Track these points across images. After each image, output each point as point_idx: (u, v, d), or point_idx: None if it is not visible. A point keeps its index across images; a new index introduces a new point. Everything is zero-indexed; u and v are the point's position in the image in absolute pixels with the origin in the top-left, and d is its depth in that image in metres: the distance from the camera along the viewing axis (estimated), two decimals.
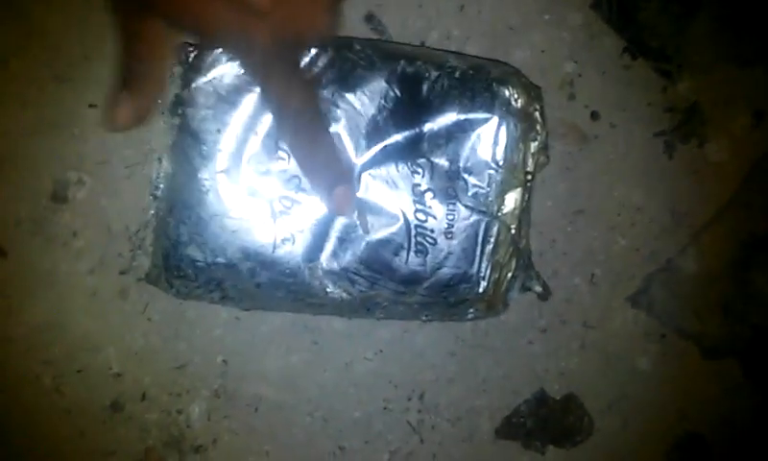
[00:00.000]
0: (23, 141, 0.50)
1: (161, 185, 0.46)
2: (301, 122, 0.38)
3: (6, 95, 0.50)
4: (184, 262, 0.45)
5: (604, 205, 0.56)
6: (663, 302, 0.57)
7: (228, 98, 0.44)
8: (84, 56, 0.50)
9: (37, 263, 0.51)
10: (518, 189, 0.47)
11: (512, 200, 0.47)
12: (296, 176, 0.45)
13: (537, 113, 0.47)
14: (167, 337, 0.53)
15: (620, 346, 0.57)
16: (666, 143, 0.56)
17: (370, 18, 0.52)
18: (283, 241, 0.45)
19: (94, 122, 0.50)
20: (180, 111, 0.45)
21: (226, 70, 0.44)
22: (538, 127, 0.47)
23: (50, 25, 0.50)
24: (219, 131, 0.44)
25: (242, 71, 0.44)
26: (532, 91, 0.48)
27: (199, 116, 0.44)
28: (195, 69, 0.44)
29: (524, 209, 0.48)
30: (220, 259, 0.45)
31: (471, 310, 0.49)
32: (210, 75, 0.44)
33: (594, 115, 0.55)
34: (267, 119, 0.44)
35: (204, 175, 0.44)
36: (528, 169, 0.47)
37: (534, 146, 0.47)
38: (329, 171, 0.41)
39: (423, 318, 0.49)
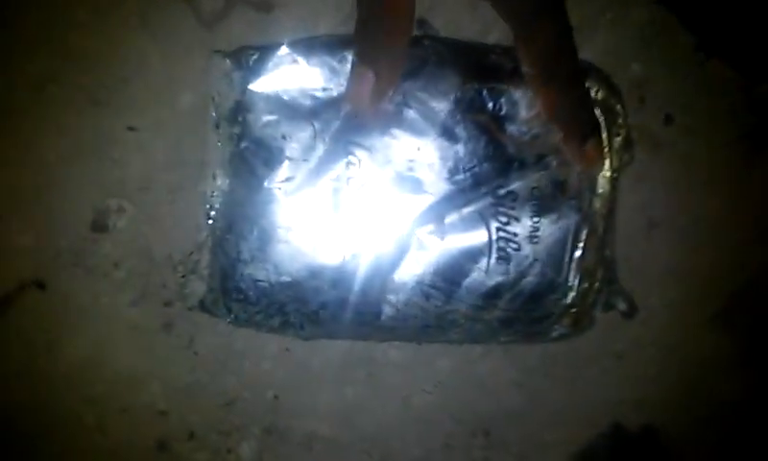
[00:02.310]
0: (61, 169, 0.48)
1: (217, 204, 0.44)
2: (561, 67, 0.38)
3: (43, 121, 0.48)
4: (245, 283, 0.43)
5: (681, 217, 0.52)
6: (749, 323, 0.53)
7: (293, 103, 0.42)
8: (121, 78, 0.48)
9: (78, 296, 0.49)
10: (605, 189, 0.44)
11: (599, 200, 0.44)
12: (367, 184, 0.42)
13: (618, 106, 0.44)
14: (214, 372, 0.51)
15: (703, 372, 0.53)
16: (747, 148, 0.52)
17: (422, 24, 0.48)
18: (354, 256, 0.43)
19: (134, 146, 0.48)
20: (239, 119, 0.42)
21: (289, 73, 0.42)
22: (620, 120, 0.45)
23: (86, 48, 0.48)
24: (284, 137, 0.42)
25: (307, 74, 0.42)
26: (611, 85, 0.45)
27: (261, 123, 0.42)
28: (255, 73, 0.42)
29: (611, 211, 0.45)
30: (284, 278, 0.43)
31: (557, 327, 0.46)
32: (272, 79, 0.42)
33: (668, 120, 0.51)
34: (336, 123, 0.42)
35: (267, 185, 0.42)
36: (614, 166, 0.44)
37: (618, 141, 0.44)
38: (583, 120, 0.40)
39: (503, 338, 0.46)
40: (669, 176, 0.52)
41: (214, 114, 0.43)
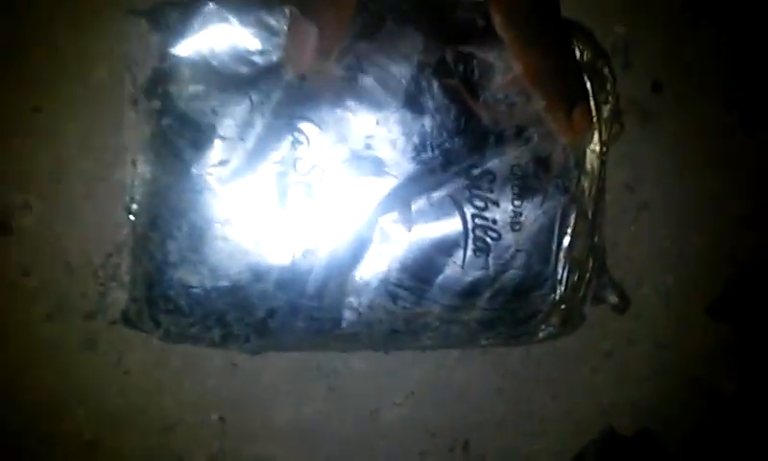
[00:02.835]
0: None
1: (138, 195, 0.37)
2: (542, 26, 0.36)
3: None
4: (175, 290, 0.37)
5: (672, 195, 0.48)
6: (750, 310, 0.50)
7: (225, 70, 0.36)
8: (19, 48, 0.41)
9: None
10: (594, 165, 0.40)
11: (587, 179, 0.40)
12: (317, 166, 0.37)
13: (606, 69, 0.40)
14: (149, 393, 0.45)
15: (701, 367, 0.50)
16: (742, 116, 0.48)
17: None
18: (305, 253, 0.37)
19: (40, 130, 0.42)
20: (159, 91, 0.36)
21: (218, 34, 0.36)
22: (608, 86, 0.40)
23: None
24: (215, 112, 0.36)
25: (240, 35, 0.36)
26: (597, 45, 0.40)
27: (186, 94, 0.36)
28: (178, 35, 0.36)
29: (600, 191, 0.40)
30: (222, 283, 0.37)
31: (544, 326, 0.41)
32: (199, 41, 0.36)
33: (655, 87, 0.48)
34: (277, 93, 0.36)
35: (197, 170, 0.36)
36: (603, 139, 0.40)
37: (606, 110, 0.40)
38: (569, 86, 0.37)
39: (483, 341, 0.41)
40: (658, 150, 0.48)
41: (131, 87, 0.37)
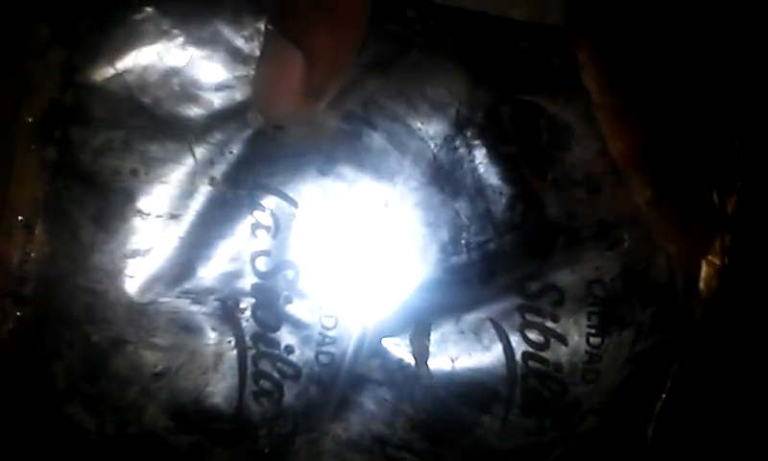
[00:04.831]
0: None
1: (32, 277, 0.27)
2: (661, 81, 0.27)
3: None
4: (62, 433, 0.27)
5: None
6: None
7: (160, 109, 0.26)
8: None
9: None
10: (711, 285, 0.29)
11: (699, 307, 0.29)
12: (290, 262, 0.26)
13: (736, 142, 0.29)
14: None
15: None
16: None
17: None
18: (258, 395, 0.27)
19: None
20: (57, 135, 0.26)
21: (153, 54, 0.26)
22: (736, 166, 0.30)
23: None
24: (136, 173, 0.26)
25: (185, 57, 0.26)
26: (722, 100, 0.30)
27: (96, 143, 0.26)
28: (91, 52, 0.26)
29: (715, 324, 0.30)
30: (132, 430, 0.27)
31: None
32: (122, 63, 0.26)
33: None
34: (236, 149, 0.26)
35: (101, 260, 0.26)
36: (726, 245, 0.29)
37: (732, 203, 0.30)
38: (690, 169, 0.29)
39: None
40: None
41: (29, 122, 0.26)
